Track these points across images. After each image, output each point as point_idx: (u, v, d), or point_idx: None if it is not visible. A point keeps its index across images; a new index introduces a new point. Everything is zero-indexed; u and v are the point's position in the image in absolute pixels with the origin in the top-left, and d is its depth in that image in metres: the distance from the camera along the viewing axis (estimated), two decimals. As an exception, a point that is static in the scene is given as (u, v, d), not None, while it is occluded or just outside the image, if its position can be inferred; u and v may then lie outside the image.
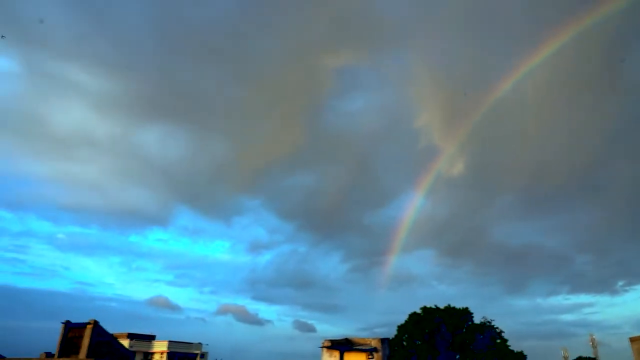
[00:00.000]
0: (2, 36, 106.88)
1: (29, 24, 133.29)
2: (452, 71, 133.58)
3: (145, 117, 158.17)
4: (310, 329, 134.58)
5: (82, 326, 42.77)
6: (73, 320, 45.86)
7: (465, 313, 57.01)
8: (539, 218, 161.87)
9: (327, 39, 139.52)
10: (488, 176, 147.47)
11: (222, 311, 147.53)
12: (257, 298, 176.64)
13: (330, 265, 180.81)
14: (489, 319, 57.39)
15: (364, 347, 30.83)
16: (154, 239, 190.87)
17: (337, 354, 30.71)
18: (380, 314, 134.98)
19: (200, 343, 72.94)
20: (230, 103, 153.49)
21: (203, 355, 72.26)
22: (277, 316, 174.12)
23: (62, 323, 42.26)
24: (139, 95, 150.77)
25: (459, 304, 58.52)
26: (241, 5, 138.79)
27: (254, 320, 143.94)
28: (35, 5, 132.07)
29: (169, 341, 69.04)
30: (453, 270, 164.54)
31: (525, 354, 55.98)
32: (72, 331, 43.50)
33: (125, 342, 61.51)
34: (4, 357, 58.76)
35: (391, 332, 58.96)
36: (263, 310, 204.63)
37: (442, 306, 58.38)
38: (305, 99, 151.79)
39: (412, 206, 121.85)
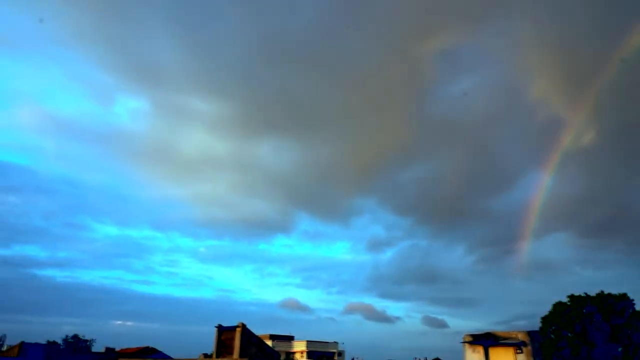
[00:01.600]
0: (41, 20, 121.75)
1: (151, 66, 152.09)
2: (566, 33, 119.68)
3: (256, 132, 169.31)
4: (442, 325, 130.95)
5: (232, 329, 46.72)
6: (223, 324, 50.56)
7: (623, 300, 50.57)
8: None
9: (422, 23, 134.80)
10: (628, 141, 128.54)
11: (350, 310, 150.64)
12: (383, 295, 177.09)
13: (455, 257, 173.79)
14: (655, 305, 50.26)
15: (510, 341, 28.99)
16: (280, 245, 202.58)
17: (480, 349, 29.32)
18: (517, 306, 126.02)
19: (336, 342, 75.30)
20: (334, 105, 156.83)
21: (340, 353, 74.42)
22: (406, 312, 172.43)
23: (216, 327, 46.58)
24: (247, 112, 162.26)
25: (612, 290, 52.19)
26: (330, 6, 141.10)
27: (383, 318, 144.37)
28: (154, 49, 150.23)
29: (307, 341, 72.43)
30: (598, 253, 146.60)
31: None
32: (224, 334, 47.76)
33: (268, 343, 66.00)
34: (170, 357, 67.21)
35: (532, 325, 54.70)
36: (390, 307, 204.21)
37: (592, 293, 52.65)
38: (408, 90, 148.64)
39: (540, 186, 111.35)
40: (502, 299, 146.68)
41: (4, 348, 62.27)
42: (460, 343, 31.04)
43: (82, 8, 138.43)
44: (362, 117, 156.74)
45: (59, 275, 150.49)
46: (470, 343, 30.00)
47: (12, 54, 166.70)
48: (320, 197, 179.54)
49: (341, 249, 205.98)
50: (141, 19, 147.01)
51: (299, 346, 72.78)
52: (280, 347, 71.38)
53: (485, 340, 29.68)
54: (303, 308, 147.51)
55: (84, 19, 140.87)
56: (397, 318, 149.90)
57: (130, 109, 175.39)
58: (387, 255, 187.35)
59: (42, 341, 61.24)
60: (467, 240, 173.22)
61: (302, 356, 71.07)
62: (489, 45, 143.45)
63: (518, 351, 28.14)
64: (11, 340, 63.92)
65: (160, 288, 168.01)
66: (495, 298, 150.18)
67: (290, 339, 75.67)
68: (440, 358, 70.59)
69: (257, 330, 50.78)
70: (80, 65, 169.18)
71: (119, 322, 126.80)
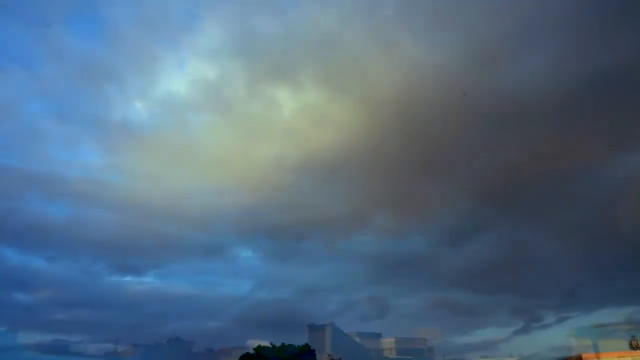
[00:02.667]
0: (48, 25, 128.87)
1: (214, 80, 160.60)
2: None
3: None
4: (536, 319, 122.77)
5: (321, 327, 47.97)
6: (310, 323, 52.10)
7: None
8: None
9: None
10: None
11: (435, 304, 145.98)
12: (469, 289, 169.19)
13: (547, 245, 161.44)
14: None
15: None
16: (359, 243, 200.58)
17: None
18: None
19: (424, 338, 73.66)
20: (402, 97, 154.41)
21: (430, 349, 72.80)
22: (495, 307, 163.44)
23: (307, 326, 48.00)
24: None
25: None
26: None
27: (470, 312, 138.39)
28: (214, 66, 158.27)
29: (396, 338, 71.59)
30: None
31: None
32: (314, 332, 49.11)
33: (356, 340, 66.45)
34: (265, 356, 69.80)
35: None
36: (477, 301, 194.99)
37: None
38: (475, 72, 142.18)
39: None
40: (607, 289, 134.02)
41: (119, 349, 68.69)
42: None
43: (148, 36, 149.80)
44: (430, 105, 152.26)
45: (157, 282, 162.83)
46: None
47: (93, 81, 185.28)
48: (395, 193, 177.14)
49: (420, 243, 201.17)
50: (199, 40, 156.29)
51: (388, 343, 72.28)
52: (369, 344, 71.41)
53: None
54: (386, 305, 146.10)
55: (150, 47, 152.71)
56: (486, 312, 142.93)
57: (201, 122, 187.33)
58: (470, 247, 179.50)
59: (151, 343, 66.84)
60: (558, 226, 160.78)
61: (391, 352, 70.55)
62: (562, 15, 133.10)
63: None
64: (124, 342, 70.40)
65: (246, 289, 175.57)
66: (598, 288, 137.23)
67: (377, 335, 75.39)
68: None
69: (345, 328, 51.65)
70: (154, 87, 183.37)
71: (212, 323, 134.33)
